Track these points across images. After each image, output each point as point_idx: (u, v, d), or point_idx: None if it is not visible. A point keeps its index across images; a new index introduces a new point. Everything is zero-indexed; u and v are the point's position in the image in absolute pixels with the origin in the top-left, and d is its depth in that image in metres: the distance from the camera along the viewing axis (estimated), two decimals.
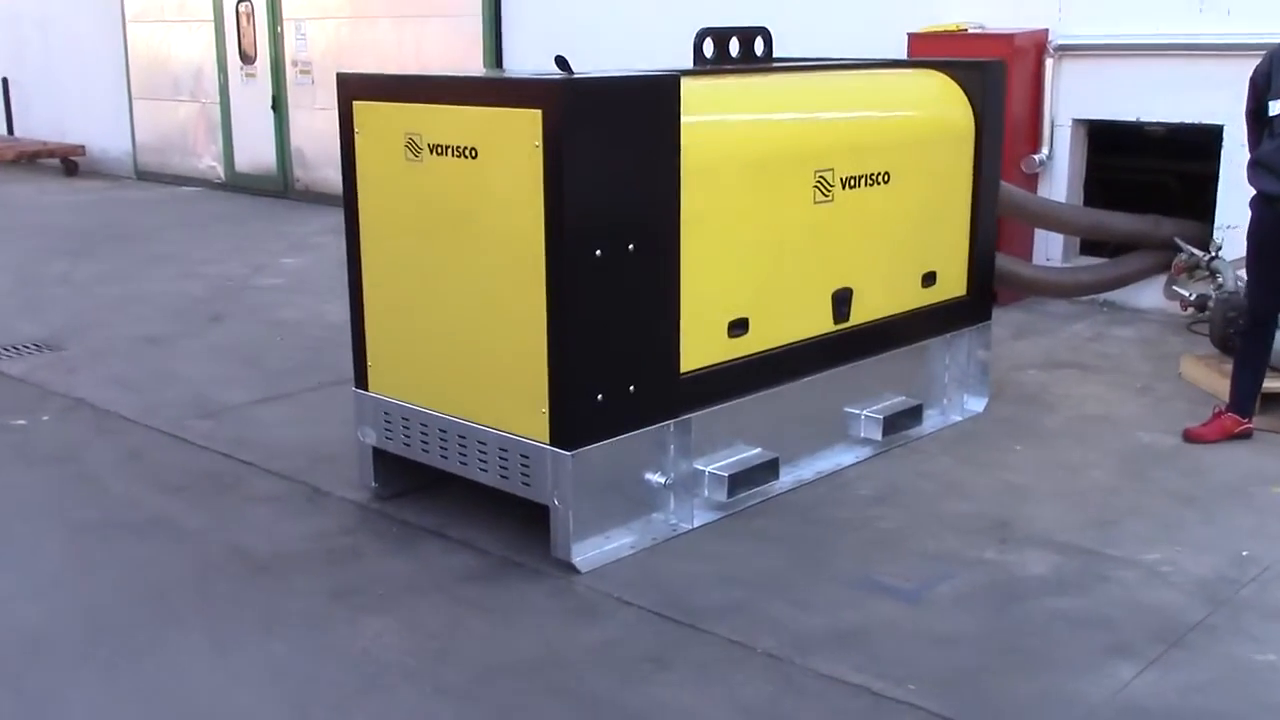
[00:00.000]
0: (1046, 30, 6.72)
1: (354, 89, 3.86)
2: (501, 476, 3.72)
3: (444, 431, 3.84)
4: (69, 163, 13.18)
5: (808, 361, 4.25)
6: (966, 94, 4.73)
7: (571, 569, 3.59)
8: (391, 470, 4.10)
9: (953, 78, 4.76)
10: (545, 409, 3.53)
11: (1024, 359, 5.81)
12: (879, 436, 4.51)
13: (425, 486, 4.12)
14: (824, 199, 4.16)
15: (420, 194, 3.74)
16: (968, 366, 4.98)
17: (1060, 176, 6.87)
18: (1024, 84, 6.68)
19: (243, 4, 11.35)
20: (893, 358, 4.62)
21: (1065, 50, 6.69)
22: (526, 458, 3.62)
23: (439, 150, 3.62)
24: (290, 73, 11.11)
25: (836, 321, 4.33)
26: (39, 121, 14.02)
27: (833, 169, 4.16)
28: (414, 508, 4.06)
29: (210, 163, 12.12)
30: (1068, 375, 5.54)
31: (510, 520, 3.84)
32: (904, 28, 6.88)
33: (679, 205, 3.64)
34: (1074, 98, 6.76)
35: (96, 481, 4.38)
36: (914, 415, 4.66)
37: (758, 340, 4.03)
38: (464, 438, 3.78)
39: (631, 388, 3.63)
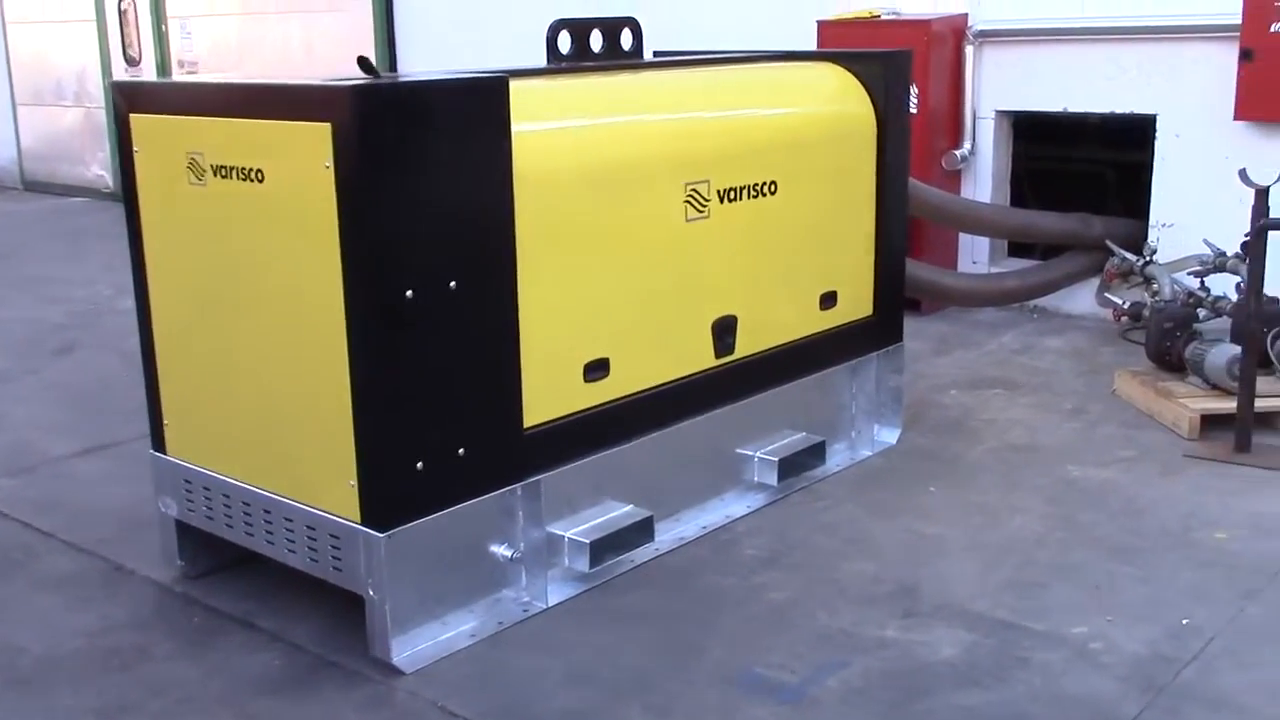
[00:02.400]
0: (965, 15, 6.19)
1: (131, 100, 3.24)
2: (311, 560, 3.13)
3: (248, 505, 3.23)
4: None
5: (686, 403, 3.69)
6: (867, 89, 4.18)
7: (395, 669, 3.01)
8: (199, 545, 3.49)
9: (851, 71, 4.20)
10: (354, 482, 2.94)
11: (946, 377, 5.28)
12: (775, 481, 3.95)
13: (242, 561, 3.51)
14: (698, 215, 3.58)
15: (206, 224, 3.13)
16: (878, 395, 4.44)
17: (984, 173, 6.35)
18: (942, 74, 6.16)
19: (124, 1, 10.63)
20: (790, 390, 4.07)
21: (986, 36, 6.17)
22: (336, 538, 3.03)
23: (222, 172, 3.02)
24: (177, 73, 10.40)
25: (719, 355, 3.76)
26: None
27: (707, 180, 3.59)
28: (224, 590, 3.45)
29: (98, 171, 11.38)
30: (992, 396, 5.02)
31: (333, 605, 3.24)
32: (817, 16, 6.34)
33: (513, 232, 3.05)
34: (997, 88, 6.24)
35: None
36: (816, 454, 4.10)
37: (621, 383, 3.46)
38: (269, 513, 3.18)
39: (461, 450, 3.04)
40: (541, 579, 3.32)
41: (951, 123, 6.28)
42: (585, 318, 3.32)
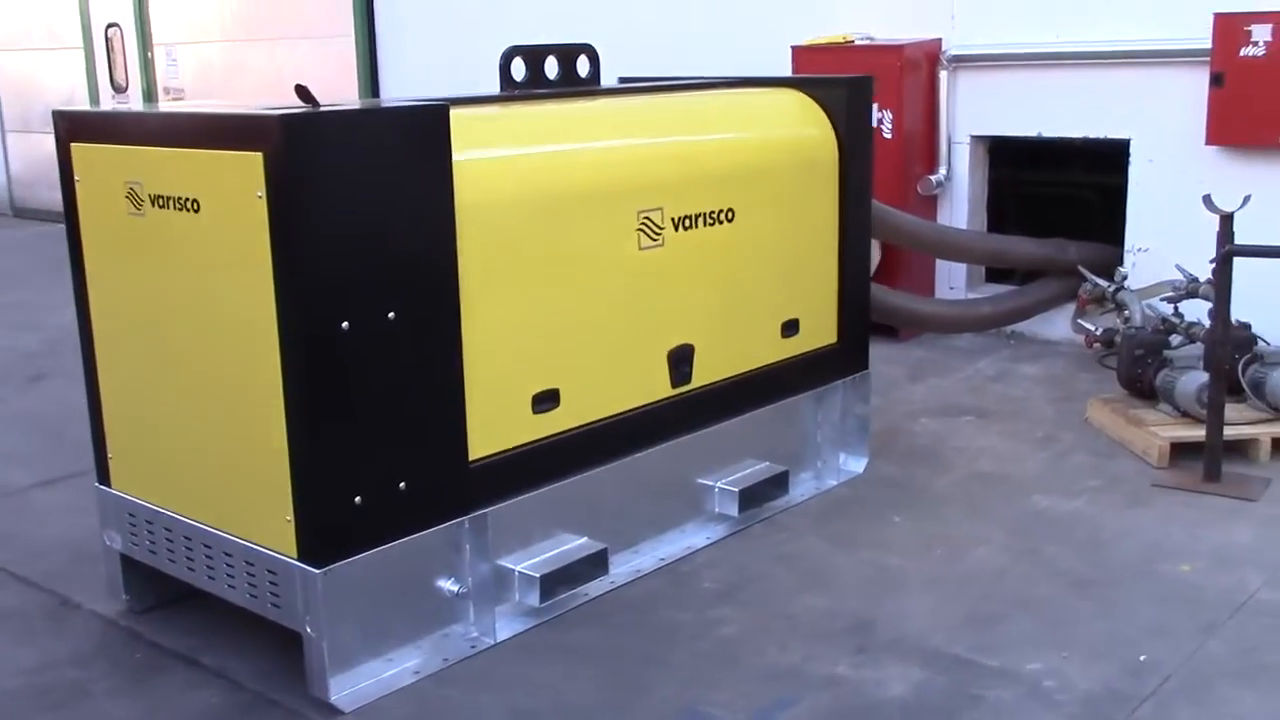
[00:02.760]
0: (939, 40, 6.16)
1: (71, 128, 3.20)
2: (250, 596, 3.07)
3: (188, 539, 3.18)
4: None
5: (642, 433, 3.63)
6: (828, 114, 4.14)
7: (334, 708, 2.95)
8: (145, 579, 3.43)
9: (812, 96, 4.16)
10: (290, 516, 2.88)
11: (918, 405, 5.23)
12: (735, 512, 3.90)
13: (188, 596, 3.45)
14: (652, 243, 3.54)
15: (145, 255, 3.09)
16: (844, 423, 4.39)
17: (960, 198, 6.31)
18: (917, 99, 6.12)
19: (111, 29, 10.63)
20: (751, 419, 4.01)
21: (960, 61, 6.14)
22: (274, 574, 2.98)
23: (160, 202, 2.98)
24: (163, 99, 10.40)
25: (675, 384, 3.71)
26: None
27: (661, 208, 3.54)
28: (170, 625, 3.40)
29: None
30: (964, 425, 4.96)
31: (277, 642, 3.18)
32: (791, 41, 6.31)
33: (455, 262, 3.01)
34: (971, 113, 6.21)
35: None
36: (779, 484, 4.05)
37: (572, 414, 3.40)
38: (209, 547, 3.13)
39: (402, 484, 2.99)
40: (490, 614, 3.26)
41: (927, 147, 6.24)
42: (533, 348, 3.27)
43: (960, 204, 6.32)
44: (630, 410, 3.58)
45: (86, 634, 3.41)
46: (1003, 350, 6.06)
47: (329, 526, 2.88)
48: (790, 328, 4.08)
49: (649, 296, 3.57)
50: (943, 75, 6.15)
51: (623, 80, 4.55)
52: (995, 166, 6.43)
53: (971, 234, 6.09)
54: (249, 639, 3.25)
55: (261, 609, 3.05)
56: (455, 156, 2.97)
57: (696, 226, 3.66)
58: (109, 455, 3.38)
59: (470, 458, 3.15)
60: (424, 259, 2.94)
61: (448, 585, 3.19)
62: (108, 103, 10.79)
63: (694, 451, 3.85)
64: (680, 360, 3.70)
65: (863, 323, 4.38)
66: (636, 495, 3.69)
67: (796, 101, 4.14)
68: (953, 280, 6.41)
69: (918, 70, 6.10)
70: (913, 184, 6.19)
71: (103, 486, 3.42)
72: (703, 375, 3.78)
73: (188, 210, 2.91)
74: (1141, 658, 3.10)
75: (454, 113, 3.00)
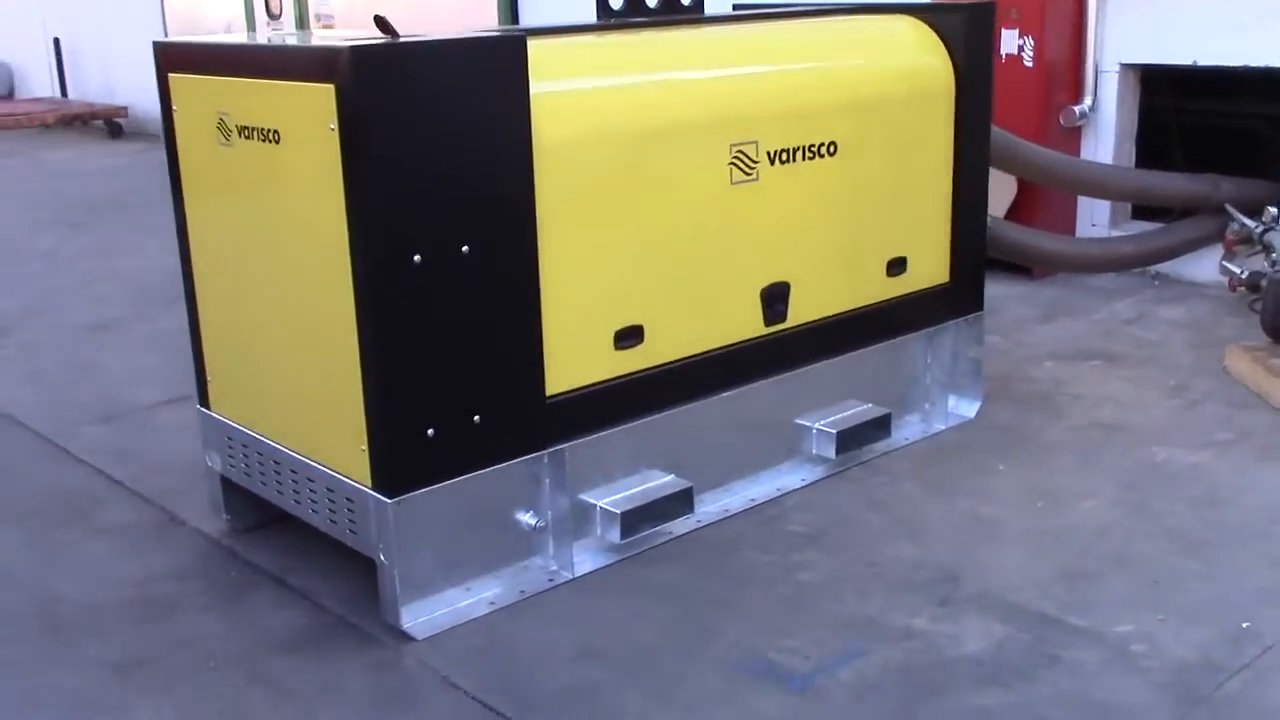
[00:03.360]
0: None
1: (169, 60, 3.26)
2: (331, 521, 3.13)
3: (278, 464, 3.26)
4: (113, 124, 12.90)
5: (733, 371, 3.57)
6: (945, 43, 3.95)
7: (408, 635, 3.00)
8: (244, 501, 3.54)
9: (929, 24, 3.97)
10: (364, 446, 2.92)
11: (1044, 347, 5.01)
12: (833, 454, 3.81)
13: (285, 517, 3.54)
14: (745, 178, 3.44)
15: (234, 185, 3.15)
16: (955, 365, 4.23)
17: (1106, 131, 5.98)
18: (1061, 24, 5.81)
19: None
20: (854, 359, 3.90)
21: None
22: (351, 502, 3.03)
23: (246, 133, 3.02)
24: (314, 27, 10.59)
25: (769, 323, 3.62)
26: (92, 83, 13.80)
27: (756, 141, 3.44)
28: (266, 545, 3.50)
29: None
30: (1091, 369, 4.74)
31: (362, 566, 3.24)
32: None
33: (532, 196, 2.97)
34: (1123, 39, 5.85)
35: None
36: (880, 426, 3.93)
37: (657, 352, 3.36)
38: (295, 473, 3.20)
39: (476, 418, 3.00)
40: (568, 548, 3.26)
41: (1071, 76, 5.92)
42: (615, 285, 3.22)
43: (1106, 137, 5.99)
44: (720, 348, 3.52)
45: (188, 551, 3.54)
46: (1145, 291, 5.76)
47: (402, 457, 2.91)
48: (897, 266, 3.94)
49: (741, 233, 3.48)
50: None
51: (737, 8, 4.43)
52: (1148, 95, 6.07)
53: (1113, 169, 5.77)
54: (336, 563, 3.33)
55: (341, 535, 3.12)
56: (533, 89, 2.92)
57: (795, 160, 3.54)
58: (208, 379, 3.47)
59: (548, 393, 3.13)
60: (500, 193, 2.91)
61: (526, 518, 3.20)
62: (263, 30, 11.04)
63: (791, 391, 3.77)
64: (775, 298, 3.61)
65: (977, 262, 4.20)
66: (729, 434, 3.64)
67: (911, 29, 3.96)
68: (1095, 218, 6.11)
69: None
70: (1054, 115, 5.89)
71: (203, 409, 3.52)
72: (799, 314, 3.69)
73: (270, 141, 2.94)
74: (1245, 625, 2.92)
75: (533, 44, 2.95)
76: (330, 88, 2.69)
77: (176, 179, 3.34)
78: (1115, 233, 6.01)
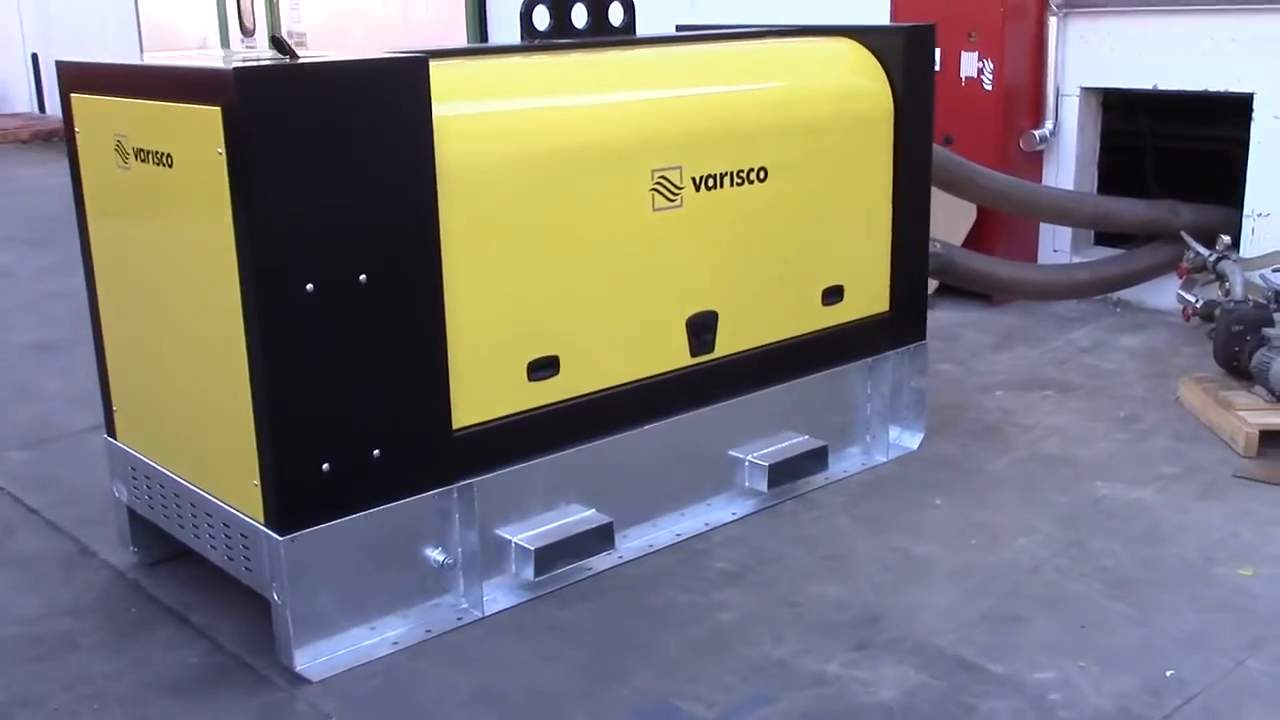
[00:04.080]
0: None
1: (70, 79, 3.17)
2: (228, 558, 3.03)
3: (178, 497, 3.15)
4: None
5: (657, 403, 3.46)
6: (885, 66, 3.86)
7: (303, 677, 2.89)
8: (151, 533, 3.43)
9: (867, 47, 3.88)
10: (256, 481, 2.81)
11: (997, 376, 4.91)
12: (764, 487, 3.70)
13: (193, 551, 3.43)
14: (669, 204, 3.34)
15: (132, 209, 3.05)
16: (897, 397, 4.13)
17: (1068, 155, 5.90)
18: (1022, 47, 5.73)
19: None
20: (790, 390, 3.80)
21: (1072, 6, 5.70)
22: (245, 538, 2.92)
23: (141, 156, 2.92)
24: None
25: (695, 353, 3.52)
26: None
27: (679, 167, 3.34)
28: (172, 580, 3.39)
29: None
30: (1042, 399, 4.64)
31: (265, 603, 3.13)
32: None
33: (435, 223, 2.87)
34: (1082, 63, 5.77)
35: None
36: (816, 459, 3.83)
37: (574, 383, 3.25)
38: (195, 507, 3.09)
39: (376, 452, 2.89)
40: (479, 586, 3.15)
41: (1032, 100, 5.84)
42: (528, 314, 3.12)
43: (1068, 162, 5.91)
44: (643, 379, 3.42)
45: (92, 585, 3.42)
46: (1105, 319, 5.66)
47: (295, 493, 2.80)
48: (833, 294, 3.84)
49: (665, 261, 3.38)
50: (1052, 21, 5.73)
51: (680, 29, 4.34)
52: (1110, 120, 5.99)
53: (1071, 195, 5.67)
54: (241, 599, 3.20)
55: (237, 572, 3.01)
56: (436, 111, 2.82)
57: (722, 186, 3.45)
58: (114, 408, 3.37)
59: (455, 426, 3.03)
60: (399, 220, 2.82)
61: (435, 554, 3.10)
62: (237, 46, 10.98)
63: (723, 423, 3.67)
64: (701, 328, 3.51)
65: (919, 290, 4.10)
66: (656, 467, 3.53)
67: (850, 52, 3.87)
68: (1057, 243, 6.02)
69: (1024, 16, 5.70)
70: (1015, 139, 5.81)
71: (110, 438, 3.42)
72: (728, 344, 3.59)
73: (164, 165, 2.84)
74: (1168, 673, 2.81)
75: (440, 65, 2.86)
76: (217, 110, 2.60)
77: (80, 201, 3.24)
78: (1077, 259, 5.91)
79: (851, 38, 3.91)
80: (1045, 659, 2.88)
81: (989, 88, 5.69)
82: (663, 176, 3.31)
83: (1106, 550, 3.42)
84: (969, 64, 5.73)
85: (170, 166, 2.82)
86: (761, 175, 3.53)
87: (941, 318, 5.72)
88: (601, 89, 3.30)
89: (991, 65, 5.66)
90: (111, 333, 3.30)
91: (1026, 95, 5.81)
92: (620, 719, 2.71)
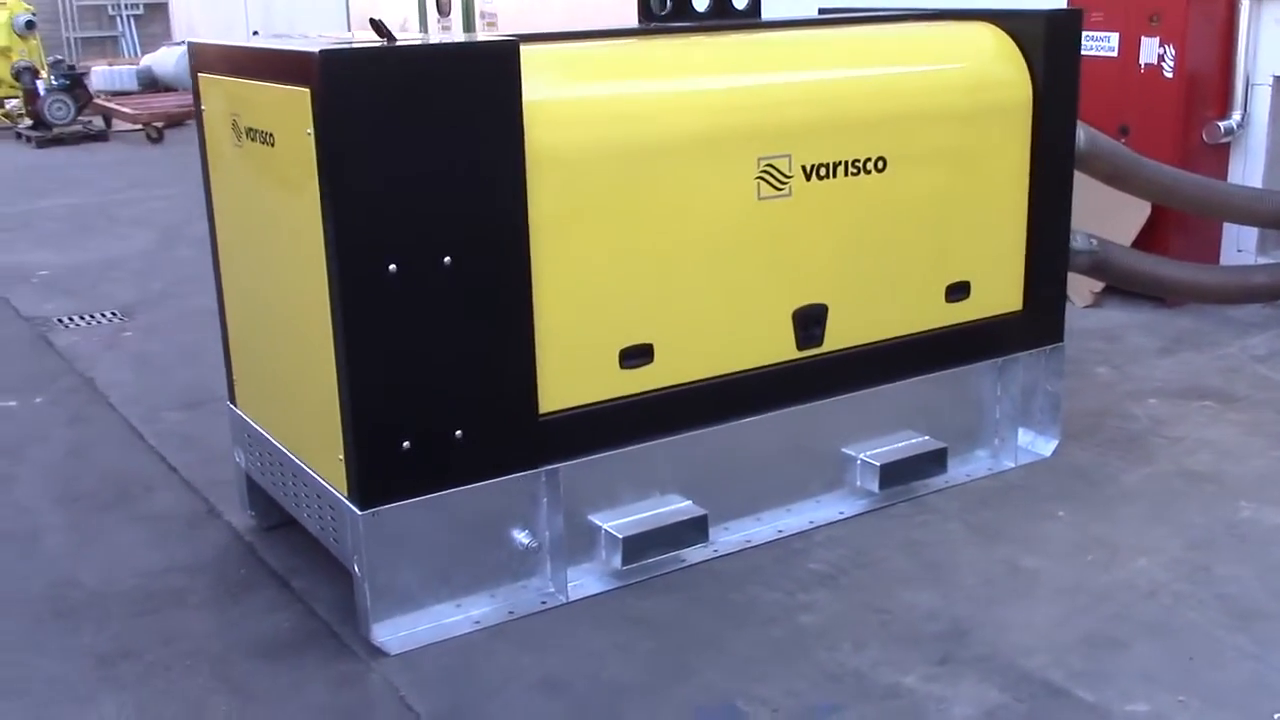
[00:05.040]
0: None
1: (199, 60, 3.30)
2: (320, 528, 3.11)
3: (281, 465, 3.26)
4: None
5: (760, 396, 3.39)
6: (1025, 53, 3.66)
7: (382, 649, 2.95)
8: (267, 498, 3.56)
9: (1009, 32, 3.70)
10: (341, 456, 2.88)
11: (1154, 382, 4.63)
12: (875, 487, 3.59)
13: None
14: (775, 193, 3.26)
15: (245, 186, 3.16)
16: (1030, 399, 3.94)
17: (1257, 149, 5.51)
18: (1208, 32, 5.37)
19: None
20: (910, 389, 3.67)
21: None
22: (333, 510, 3.00)
23: (251, 135, 3.02)
24: (479, 25, 10.75)
25: (802, 346, 3.43)
26: None
27: (788, 155, 3.25)
28: (283, 544, 3.51)
29: None
30: (1199, 409, 4.35)
31: None
32: None
33: (524, 208, 2.87)
34: (1278, 48, 5.36)
35: (4, 482, 4.08)
36: (934, 461, 3.69)
37: (669, 372, 3.21)
38: (296, 477, 3.19)
39: (458, 433, 2.92)
40: (564, 571, 3.16)
41: (1218, 89, 5.46)
42: (621, 302, 3.10)
43: (1257, 156, 5.52)
44: (744, 371, 3.35)
45: (211, 545, 3.58)
46: None
47: (375, 469, 2.86)
48: (958, 291, 3.68)
49: (770, 251, 3.30)
50: (1244, 4, 5.34)
51: (822, 12, 4.23)
52: None
53: (1249, 191, 5.27)
54: (341, 568, 3.29)
55: (327, 542, 3.10)
56: (528, 97, 2.82)
57: (835, 176, 3.34)
58: (234, 376, 3.51)
59: (541, 410, 3.03)
60: (484, 204, 2.83)
61: (521, 537, 3.11)
62: (433, 26, 11.26)
63: (832, 420, 3.57)
64: (809, 321, 3.42)
65: (1057, 289, 3.89)
66: (759, 461, 3.47)
67: (987, 37, 3.69)
68: (1241, 243, 5.62)
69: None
70: (1198, 130, 5.45)
71: (231, 405, 3.56)
72: (839, 338, 3.48)
73: (268, 144, 2.93)
74: (1277, 716, 2.60)
75: (532, 50, 2.86)
76: (306, 92, 2.66)
77: (207, 178, 3.38)
78: (1262, 260, 5.51)
79: (993, 22, 3.73)
80: (1141, 689, 2.70)
81: (1169, 75, 5.35)
82: (769, 165, 3.23)
83: (1234, 577, 3.18)
84: (1149, 50, 5.39)
85: (273, 145, 2.90)
86: (880, 165, 3.41)
87: (1106, 317, 5.43)
88: (701, 74, 3.24)
89: (1173, 51, 5.32)
90: (232, 303, 3.43)
91: (1212, 84, 5.44)
92: (679, 716, 2.67)
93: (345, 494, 2.90)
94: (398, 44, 2.75)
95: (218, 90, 3.20)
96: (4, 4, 13.77)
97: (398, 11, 11.84)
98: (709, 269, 3.21)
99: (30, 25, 13.66)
